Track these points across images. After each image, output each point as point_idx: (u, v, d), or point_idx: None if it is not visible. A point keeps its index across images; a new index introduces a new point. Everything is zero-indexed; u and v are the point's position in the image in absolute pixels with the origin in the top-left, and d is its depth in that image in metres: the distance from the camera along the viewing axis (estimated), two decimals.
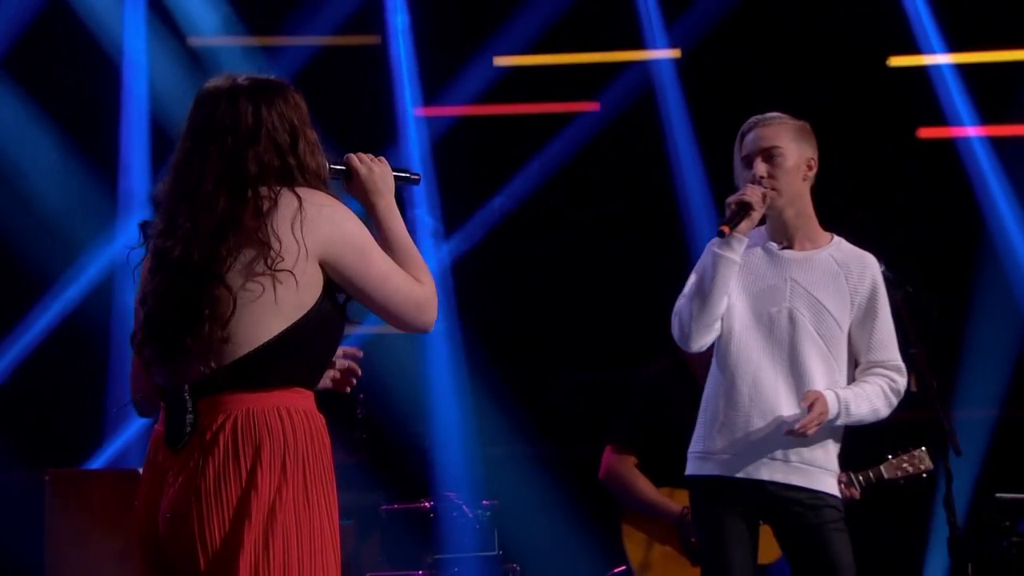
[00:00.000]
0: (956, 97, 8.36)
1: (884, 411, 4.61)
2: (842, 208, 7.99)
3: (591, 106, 8.49)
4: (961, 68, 8.38)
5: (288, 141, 3.38)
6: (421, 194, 8.25)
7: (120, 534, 6.23)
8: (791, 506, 4.58)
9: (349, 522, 7.06)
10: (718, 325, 4.65)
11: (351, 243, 3.40)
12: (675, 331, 4.65)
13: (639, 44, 8.52)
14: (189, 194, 3.34)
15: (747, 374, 4.63)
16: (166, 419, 3.36)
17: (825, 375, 4.60)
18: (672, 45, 8.51)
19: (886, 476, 5.56)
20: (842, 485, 5.34)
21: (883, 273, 5.13)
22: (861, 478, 5.57)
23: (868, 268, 4.67)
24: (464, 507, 6.73)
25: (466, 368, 8.23)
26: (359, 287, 3.43)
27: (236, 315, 3.30)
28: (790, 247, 4.68)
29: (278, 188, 3.33)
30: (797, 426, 4.46)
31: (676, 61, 8.54)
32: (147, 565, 3.42)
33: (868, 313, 4.63)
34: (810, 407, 4.45)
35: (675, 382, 5.32)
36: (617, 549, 5.92)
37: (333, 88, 8.16)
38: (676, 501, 5.77)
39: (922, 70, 8.46)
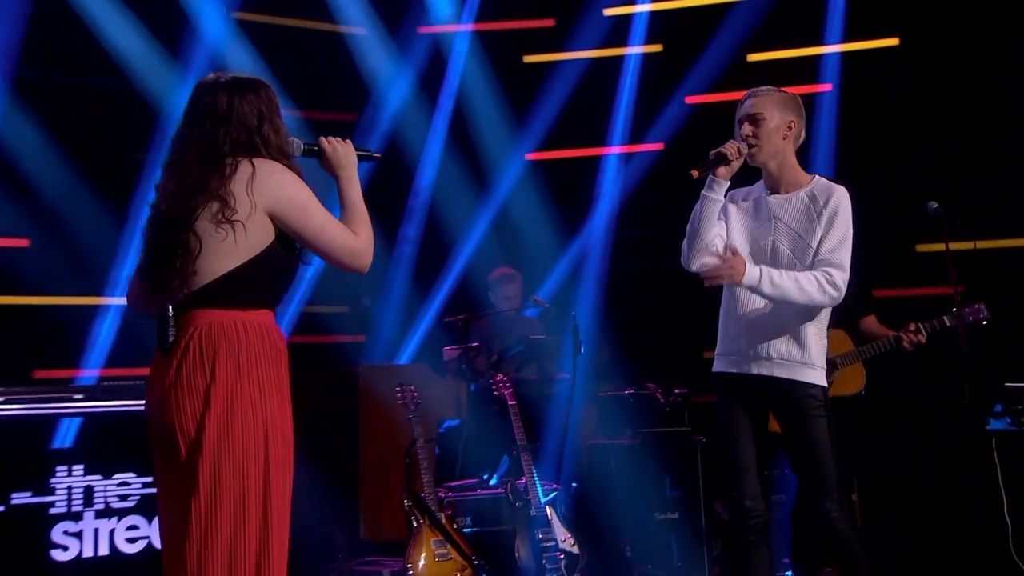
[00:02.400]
0: None
1: (816, 295, 5.00)
2: None
3: (825, 87, 9.45)
4: None
5: (255, 124, 3.88)
6: None
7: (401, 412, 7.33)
8: (777, 394, 5.12)
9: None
10: (712, 251, 5.12)
11: (292, 201, 3.87)
12: (682, 257, 5.19)
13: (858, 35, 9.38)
14: (176, 163, 3.89)
15: (742, 293, 5.16)
16: (157, 331, 3.85)
17: None
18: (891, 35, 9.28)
19: (948, 324, 6.21)
20: (911, 332, 6.28)
21: (935, 210, 5.99)
22: (927, 326, 6.26)
23: (833, 195, 5.09)
24: (658, 394, 7.69)
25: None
26: (301, 235, 3.91)
27: (202, 254, 3.79)
28: (776, 192, 5.19)
29: (240, 158, 3.83)
30: (704, 271, 5.04)
31: (897, 48, 9.28)
32: (153, 442, 3.91)
33: (827, 224, 5.04)
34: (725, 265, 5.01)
35: None
36: None
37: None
38: None
39: None
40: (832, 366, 6.17)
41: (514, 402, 7.35)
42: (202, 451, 3.73)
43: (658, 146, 9.93)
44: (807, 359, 5.07)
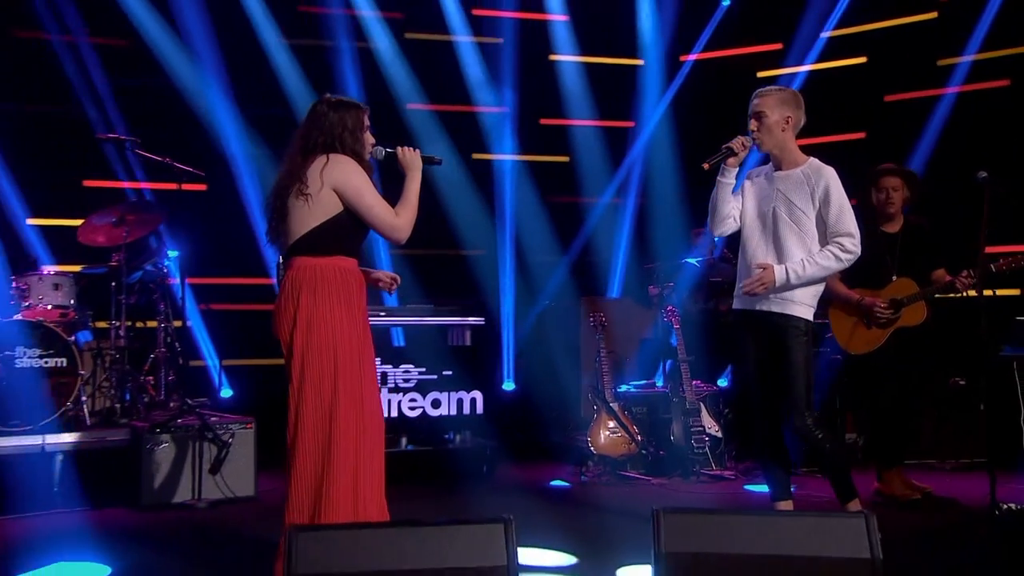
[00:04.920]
0: None
1: (835, 265, 5.50)
2: None
3: (1004, 82, 10.31)
4: None
5: (339, 131, 4.67)
6: None
7: (604, 334, 8.59)
8: (771, 323, 5.61)
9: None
10: (730, 221, 5.73)
11: (350, 183, 4.62)
12: (708, 228, 5.81)
13: None
14: (287, 155, 4.73)
15: (750, 248, 5.69)
16: (276, 272, 5.13)
17: (798, 246, 5.56)
18: None
19: (993, 270, 6.58)
20: (964, 277, 6.77)
21: (983, 178, 6.07)
22: (976, 272, 6.55)
23: (823, 173, 5.55)
24: None
25: None
26: (355, 209, 4.64)
27: (290, 216, 4.63)
28: (779, 170, 5.68)
29: (322, 153, 4.63)
30: (744, 288, 5.58)
31: None
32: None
33: (824, 202, 5.50)
34: (760, 276, 5.51)
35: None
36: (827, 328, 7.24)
37: None
38: (859, 294, 6.94)
39: None
40: (899, 304, 6.96)
41: (678, 326, 8.62)
42: (293, 354, 4.57)
43: (860, 135, 11.07)
44: (794, 297, 5.56)
